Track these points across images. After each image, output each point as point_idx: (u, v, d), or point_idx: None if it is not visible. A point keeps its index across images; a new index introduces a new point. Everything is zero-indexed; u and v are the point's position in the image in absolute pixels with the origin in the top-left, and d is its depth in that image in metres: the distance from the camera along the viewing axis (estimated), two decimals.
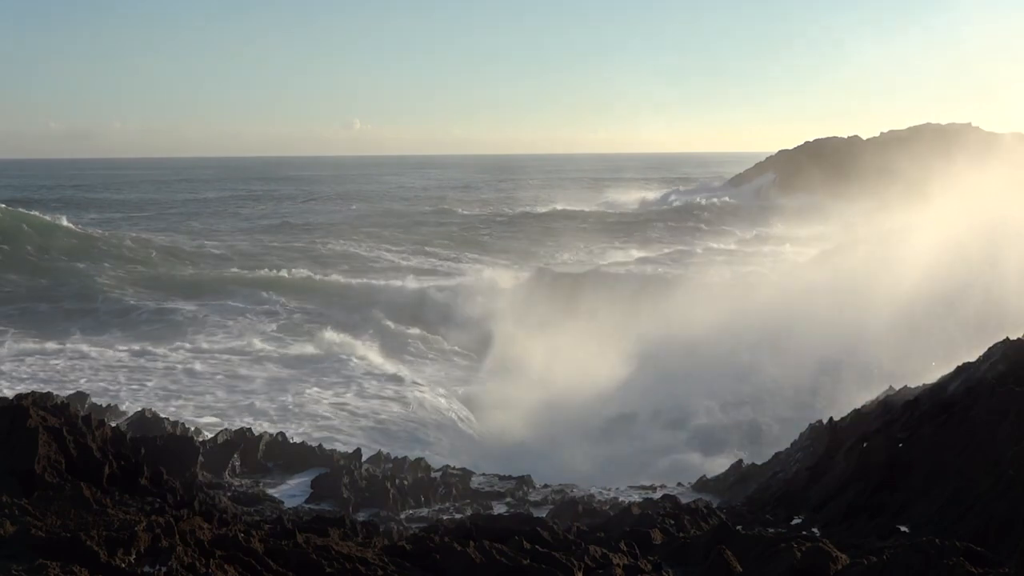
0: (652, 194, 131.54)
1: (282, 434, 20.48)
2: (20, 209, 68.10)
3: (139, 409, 21.91)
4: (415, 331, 41.23)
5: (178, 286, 50.07)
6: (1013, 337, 16.01)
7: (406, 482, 17.94)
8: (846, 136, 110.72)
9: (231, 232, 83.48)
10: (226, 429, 20.23)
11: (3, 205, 63.77)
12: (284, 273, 53.56)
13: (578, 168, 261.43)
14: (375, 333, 39.78)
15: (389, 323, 42.24)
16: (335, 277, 54.27)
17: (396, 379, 31.50)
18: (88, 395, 22.79)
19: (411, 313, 45.29)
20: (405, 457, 20.54)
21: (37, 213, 65.84)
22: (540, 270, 53.96)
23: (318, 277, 53.55)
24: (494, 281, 50.78)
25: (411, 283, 51.87)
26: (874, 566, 10.23)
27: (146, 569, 9.13)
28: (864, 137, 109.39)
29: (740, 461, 20.30)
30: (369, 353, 34.70)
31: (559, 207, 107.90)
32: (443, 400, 29.97)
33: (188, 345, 35.59)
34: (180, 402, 27.45)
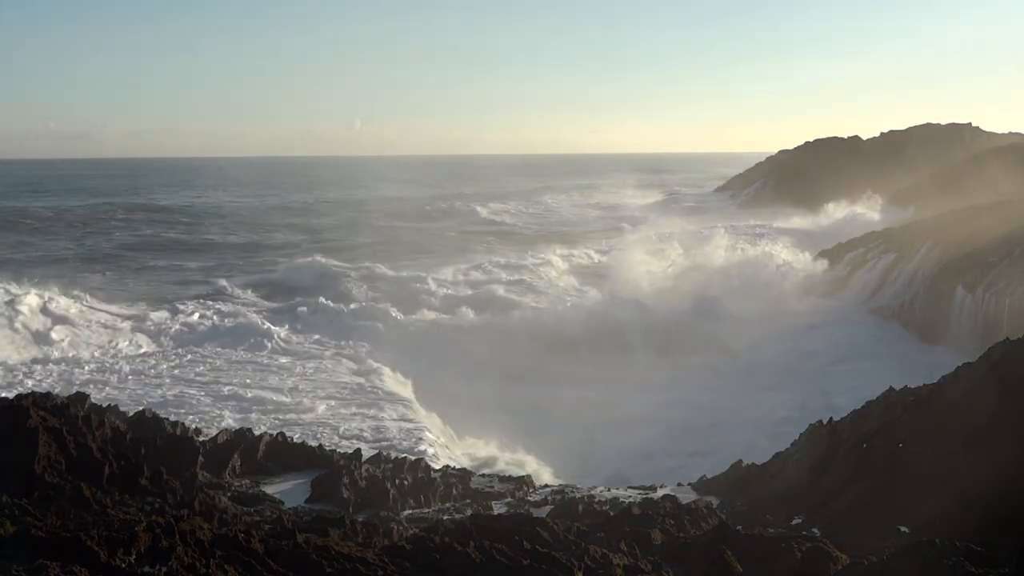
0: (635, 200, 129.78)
1: (282, 434, 20.43)
2: None
3: (139, 409, 21.88)
4: None
5: None
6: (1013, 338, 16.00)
7: (406, 482, 17.90)
8: (846, 136, 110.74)
9: None
10: (226, 429, 20.19)
11: None
12: None
13: (567, 170, 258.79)
14: None
15: None
16: None
17: None
18: (88, 395, 22.73)
19: None
20: (405, 457, 20.50)
21: None
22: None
23: None
24: None
25: None
26: (874, 566, 10.24)
27: (146, 569, 9.13)
28: (864, 137, 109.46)
29: (740, 461, 20.25)
30: None
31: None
32: None
33: None
34: None
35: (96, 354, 35.51)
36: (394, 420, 27.14)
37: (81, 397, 19.95)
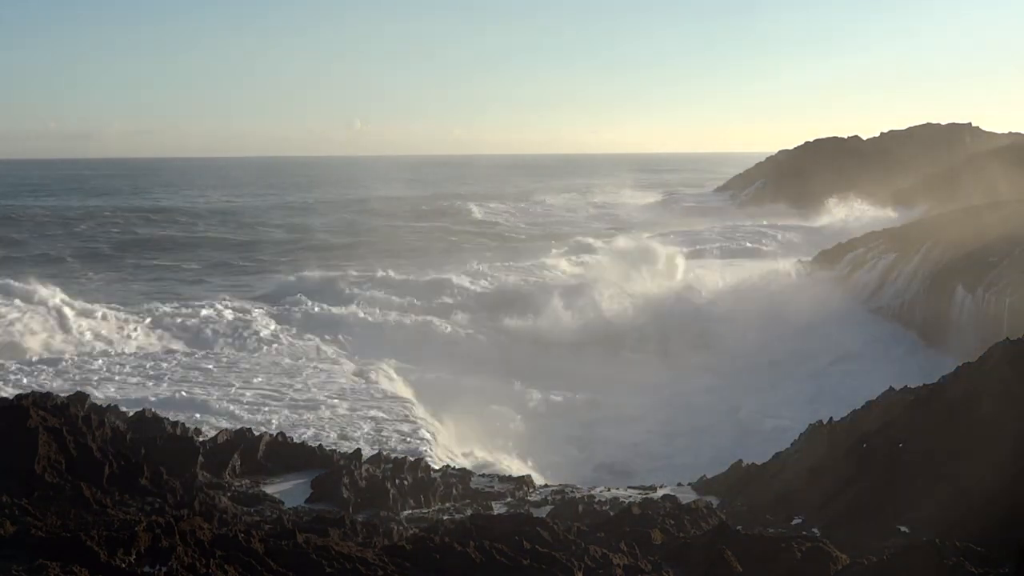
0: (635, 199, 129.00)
1: (282, 434, 20.45)
2: None
3: (139, 409, 21.89)
4: None
5: None
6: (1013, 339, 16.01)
7: (406, 482, 17.91)
8: (846, 136, 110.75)
9: None
10: (226, 429, 20.19)
11: None
12: None
13: (567, 170, 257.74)
14: None
15: None
16: None
17: None
18: (88, 395, 22.74)
19: None
20: (405, 457, 20.51)
21: None
22: None
23: None
24: None
25: None
26: (874, 566, 10.26)
27: (146, 569, 9.13)
28: (864, 137, 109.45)
29: (740, 461, 20.26)
30: None
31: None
32: None
33: None
34: None
35: (96, 354, 35.50)
36: (394, 420, 27.14)
37: (81, 397, 19.95)
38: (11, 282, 43.47)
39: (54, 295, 42.33)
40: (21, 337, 37.37)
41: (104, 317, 41.60)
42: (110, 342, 38.33)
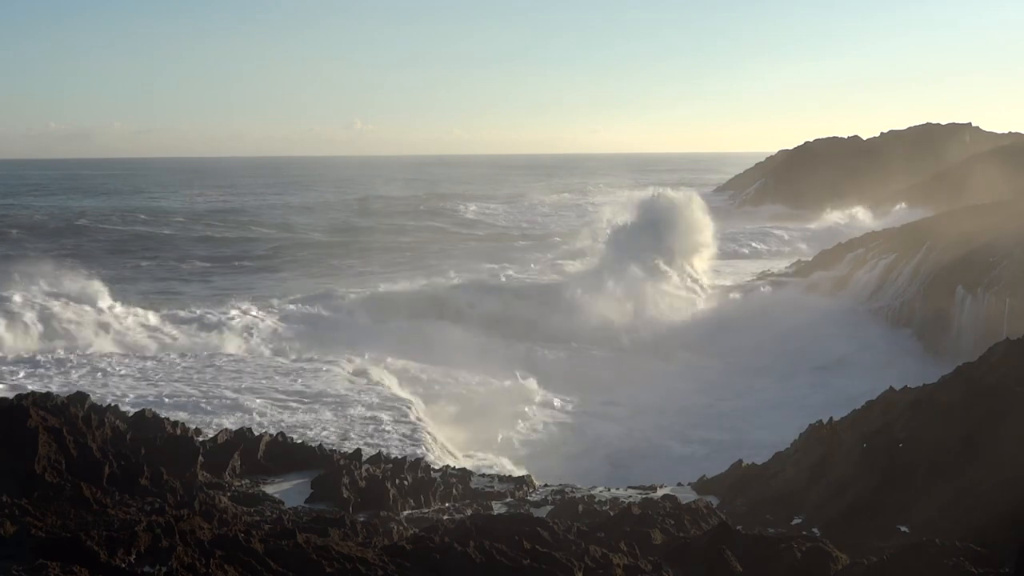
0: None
1: (282, 434, 20.44)
2: None
3: (139, 409, 21.88)
4: None
5: None
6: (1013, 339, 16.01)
7: (406, 482, 17.91)
8: (846, 136, 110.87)
9: None
10: (226, 429, 20.18)
11: None
12: None
13: (566, 170, 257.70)
14: None
15: None
16: None
17: None
18: (88, 395, 22.73)
19: None
20: (405, 457, 20.53)
21: None
22: None
23: None
24: None
25: None
26: (874, 566, 10.25)
27: (146, 569, 9.13)
28: (864, 137, 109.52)
29: (740, 461, 20.26)
30: None
31: None
32: None
33: None
34: None
35: (96, 354, 35.49)
36: (394, 420, 27.14)
37: (81, 397, 19.93)
38: (41, 282, 43.42)
39: (54, 295, 42.25)
40: (20, 338, 37.34)
41: (105, 317, 41.50)
42: (110, 342, 38.31)
